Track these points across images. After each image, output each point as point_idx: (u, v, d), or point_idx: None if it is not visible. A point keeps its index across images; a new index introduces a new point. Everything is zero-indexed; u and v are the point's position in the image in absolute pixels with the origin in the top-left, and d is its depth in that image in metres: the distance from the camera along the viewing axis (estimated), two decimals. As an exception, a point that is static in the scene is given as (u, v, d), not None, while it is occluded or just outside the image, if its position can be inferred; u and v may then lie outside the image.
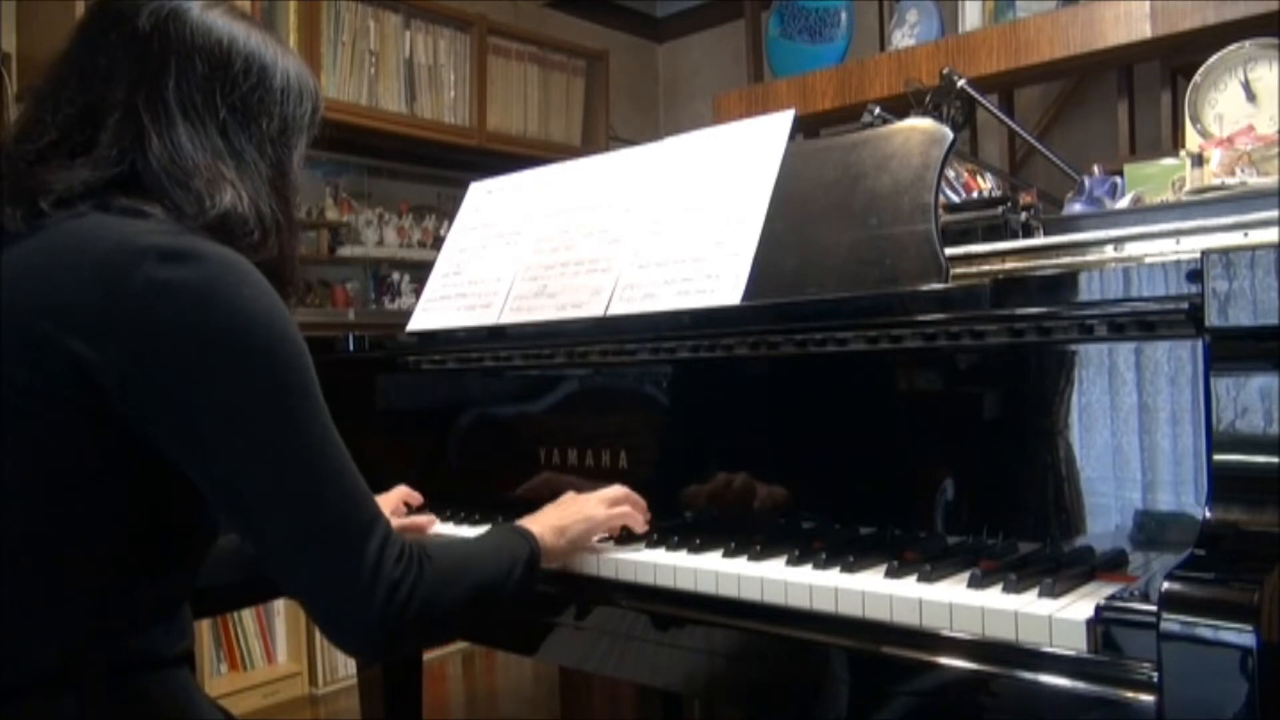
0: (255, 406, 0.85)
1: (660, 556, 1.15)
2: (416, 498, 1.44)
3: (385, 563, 0.87)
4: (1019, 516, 1.01)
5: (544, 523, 1.14)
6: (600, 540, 1.23)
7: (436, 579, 0.91)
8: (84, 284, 0.84)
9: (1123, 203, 1.76)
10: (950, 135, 1.24)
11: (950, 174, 1.87)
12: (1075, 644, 0.83)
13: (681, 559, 1.13)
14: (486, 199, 1.74)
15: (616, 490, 1.23)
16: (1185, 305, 0.87)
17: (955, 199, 1.80)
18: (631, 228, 1.45)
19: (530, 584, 1.06)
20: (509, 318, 1.52)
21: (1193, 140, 1.95)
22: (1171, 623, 0.75)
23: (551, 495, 1.25)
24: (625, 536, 1.24)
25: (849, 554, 1.04)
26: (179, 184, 0.91)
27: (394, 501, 1.41)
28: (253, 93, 0.98)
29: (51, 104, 0.94)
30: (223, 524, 0.96)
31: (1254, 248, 0.83)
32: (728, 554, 1.12)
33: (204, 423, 0.84)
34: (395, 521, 1.38)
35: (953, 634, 0.90)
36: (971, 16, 3.14)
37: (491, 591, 1.00)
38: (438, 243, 3.64)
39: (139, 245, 0.84)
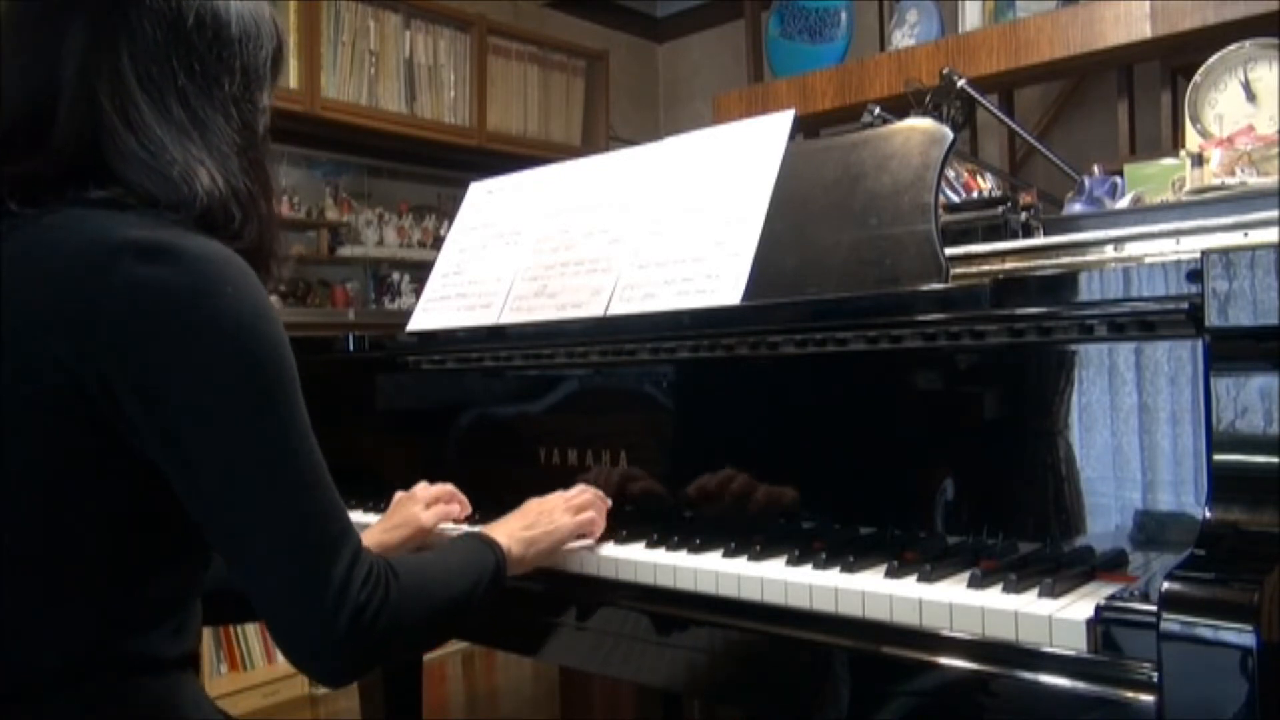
0: (233, 412, 0.82)
1: (660, 556, 1.15)
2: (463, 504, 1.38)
3: (352, 583, 0.84)
4: (1019, 516, 1.01)
5: (512, 534, 1.12)
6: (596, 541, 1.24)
7: (402, 599, 0.88)
8: (62, 285, 0.81)
9: (1123, 203, 1.76)
10: (950, 135, 1.24)
11: (950, 174, 1.87)
12: (1075, 644, 0.83)
13: (681, 559, 1.13)
14: (486, 199, 1.74)
15: (583, 496, 1.23)
16: (1185, 305, 0.87)
17: (955, 199, 1.80)
18: (631, 228, 1.45)
19: (496, 596, 1.04)
20: (509, 318, 1.52)
21: (1193, 140, 1.95)
22: (1171, 623, 0.75)
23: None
24: (624, 536, 1.24)
25: (849, 554, 1.04)
26: (155, 172, 0.86)
27: (437, 493, 1.34)
28: (210, 50, 0.90)
29: (3, 82, 0.88)
30: None
31: (1254, 248, 0.83)
32: (728, 554, 1.12)
33: (181, 427, 0.82)
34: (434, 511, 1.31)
35: (953, 634, 0.90)
36: (971, 16, 3.15)
37: (457, 608, 0.98)
38: (438, 243, 3.64)
39: (116, 241, 0.81)
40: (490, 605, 1.05)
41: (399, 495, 1.34)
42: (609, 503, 1.25)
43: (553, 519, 1.18)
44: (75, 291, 0.81)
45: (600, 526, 1.23)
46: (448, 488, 1.35)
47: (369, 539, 1.22)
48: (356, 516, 1.48)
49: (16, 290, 0.83)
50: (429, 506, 1.30)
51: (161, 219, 0.84)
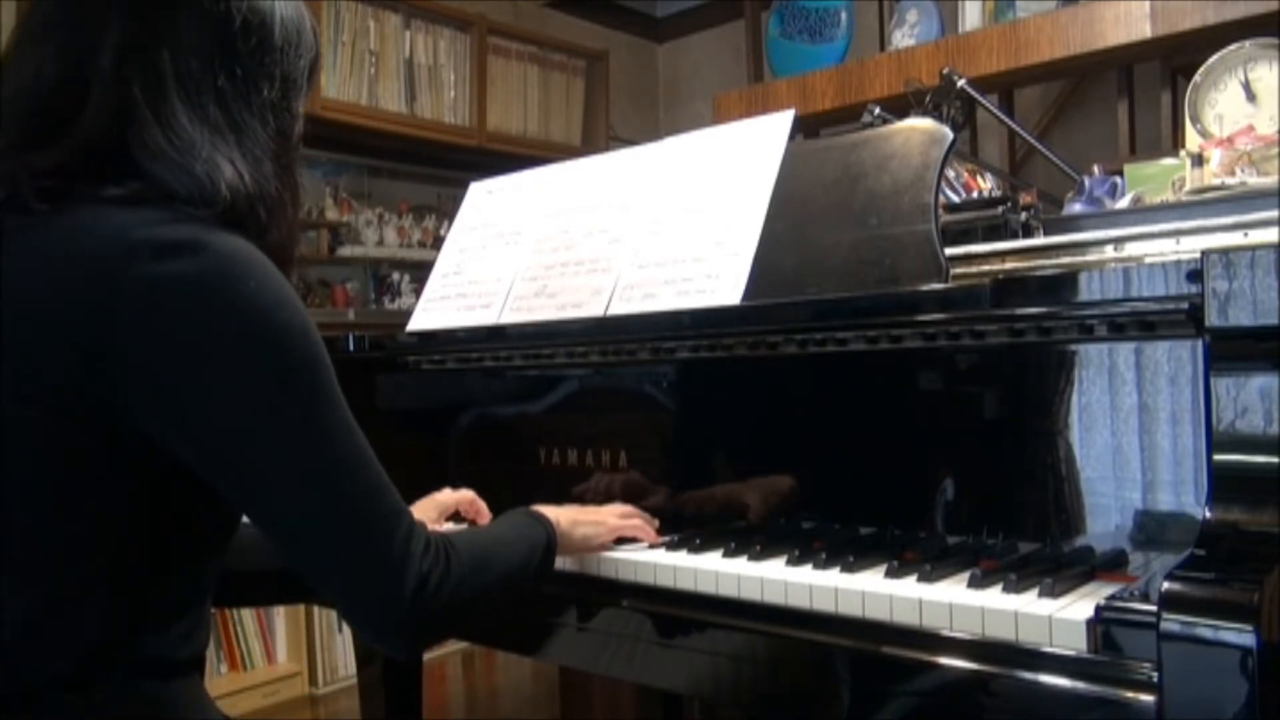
0: (268, 405, 0.82)
1: (660, 556, 1.15)
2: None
3: (413, 555, 0.86)
4: (1019, 516, 1.01)
5: (559, 512, 1.14)
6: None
7: (462, 570, 0.90)
8: (75, 286, 0.80)
9: (1123, 203, 1.76)
10: (950, 135, 1.24)
11: (950, 174, 1.87)
12: (1075, 644, 0.83)
13: (681, 559, 1.13)
14: (486, 199, 1.74)
15: (627, 507, 1.25)
16: (1185, 305, 0.87)
17: (955, 199, 1.80)
18: (631, 228, 1.45)
19: (547, 570, 1.06)
20: (509, 318, 1.52)
21: (1193, 140, 1.95)
22: (1171, 623, 0.75)
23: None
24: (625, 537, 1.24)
25: (849, 554, 1.04)
26: (179, 168, 0.84)
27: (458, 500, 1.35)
28: (253, 55, 0.89)
29: (33, 66, 0.86)
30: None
31: (1254, 248, 0.83)
32: (728, 554, 1.12)
33: (215, 424, 0.81)
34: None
35: (953, 634, 0.90)
36: (971, 16, 3.14)
37: (513, 579, 1.00)
38: (438, 243, 3.64)
39: (131, 241, 0.80)
40: (542, 574, 1.06)
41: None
42: (655, 523, 1.25)
43: (598, 513, 1.20)
44: (88, 295, 0.80)
45: (650, 535, 1.23)
46: (467, 494, 1.35)
47: None
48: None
49: (23, 290, 0.82)
50: (445, 512, 1.32)
51: (180, 215, 0.83)
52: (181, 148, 0.85)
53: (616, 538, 1.21)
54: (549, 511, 1.12)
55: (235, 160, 0.87)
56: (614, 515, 1.21)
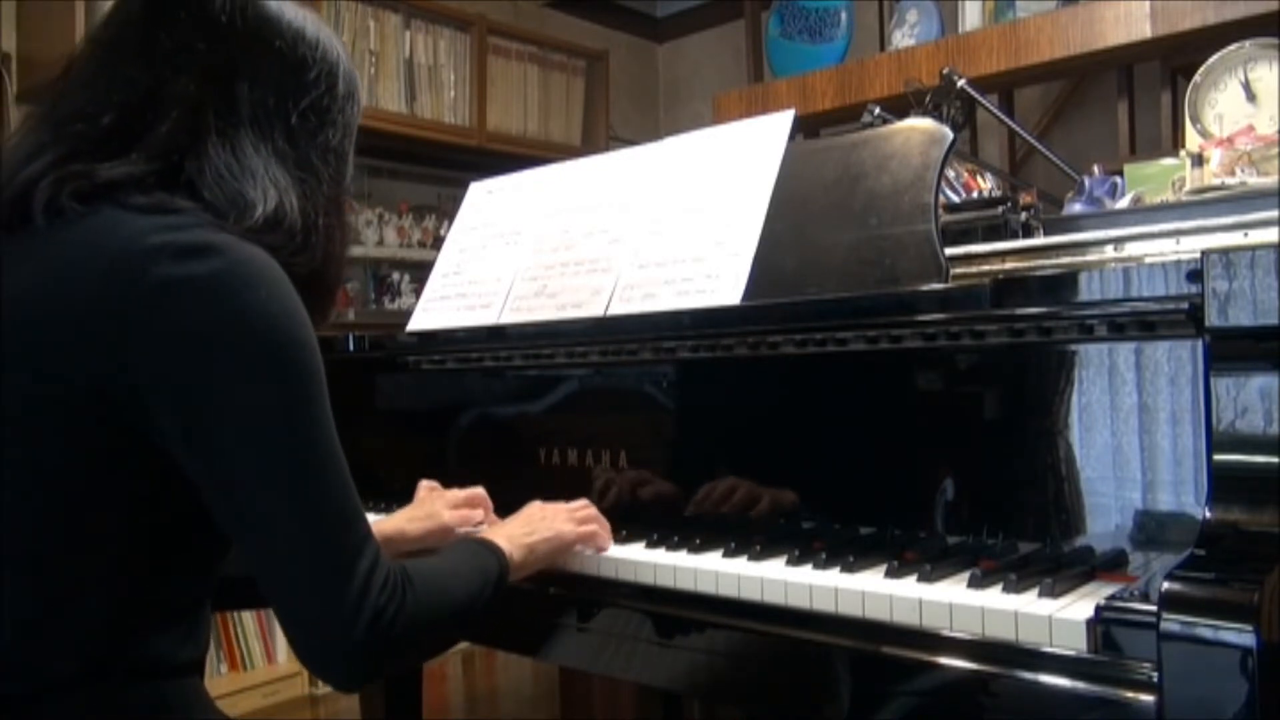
0: (260, 413, 0.82)
1: (660, 556, 1.15)
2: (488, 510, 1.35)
3: (371, 590, 0.84)
4: (1019, 516, 1.01)
5: (513, 539, 1.11)
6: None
7: (418, 605, 0.88)
8: (94, 286, 0.82)
9: (1123, 203, 1.76)
10: (950, 135, 1.24)
11: (950, 174, 1.87)
12: (1075, 644, 0.83)
13: (681, 559, 1.13)
14: (486, 199, 1.74)
15: (586, 510, 1.22)
16: (1185, 305, 0.87)
17: (955, 199, 1.80)
18: (631, 228, 1.45)
19: (497, 601, 1.04)
20: (509, 318, 1.52)
21: (1193, 140, 1.95)
22: (1171, 623, 0.75)
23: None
24: (624, 536, 1.24)
25: (849, 554, 1.04)
26: (232, 189, 0.88)
27: (467, 496, 1.32)
28: (322, 99, 0.96)
29: (106, 80, 0.90)
30: None
31: (1254, 248, 0.83)
32: (728, 554, 1.12)
33: (207, 425, 0.82)
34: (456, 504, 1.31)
35: (953, 634, 0.90)
36: (971, 16, 3.14)
37: (466, 614, 0.97)
38: (438, 243, 3.64)
39: (152, 244, 0.82)
40: (491, 605, 1.05)
41: (425, 485, 1.35)
42: (608, 528, 1.24)
43: (554, 526, 1.17)
44: (107, 295, 0.81)
45: (605, 541, 1.22)
46: (478, 492, 1.32)
47: (391, 525, 1.23)
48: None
49: (42, 293, 0.83)
50: (455, 508, 1.29)
51: (200, 221, 0.85)
52: (239, 172, 0.89)
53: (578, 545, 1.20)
54: (503, 541, 1.09)
55: (289, 189, 0.92)
56: (570, 524, 1.18)
